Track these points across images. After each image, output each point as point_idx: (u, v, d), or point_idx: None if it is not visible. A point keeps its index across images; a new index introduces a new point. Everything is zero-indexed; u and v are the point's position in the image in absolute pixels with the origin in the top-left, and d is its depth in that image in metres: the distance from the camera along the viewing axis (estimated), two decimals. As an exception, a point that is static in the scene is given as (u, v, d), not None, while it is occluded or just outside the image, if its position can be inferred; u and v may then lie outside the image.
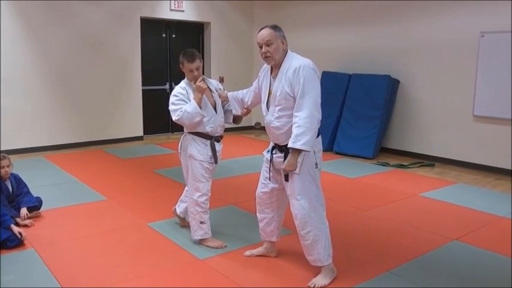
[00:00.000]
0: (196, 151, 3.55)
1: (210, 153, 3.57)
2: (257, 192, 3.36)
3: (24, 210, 4.12)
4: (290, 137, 2.90)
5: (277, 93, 2.99)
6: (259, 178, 3.37)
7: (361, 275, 3.22)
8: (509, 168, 6.09)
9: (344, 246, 3.65)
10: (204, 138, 3.56)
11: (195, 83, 3.54)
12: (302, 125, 2.83)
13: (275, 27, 3.03)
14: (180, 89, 3.57)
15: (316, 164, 3.00)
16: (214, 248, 3.62)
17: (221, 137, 3.70)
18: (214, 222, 4.20)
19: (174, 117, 3.50)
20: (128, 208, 4.63)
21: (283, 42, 3.01)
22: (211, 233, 3.70)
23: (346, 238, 3.88)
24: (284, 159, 3.02)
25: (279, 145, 3.12)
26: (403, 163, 6.80)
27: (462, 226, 4.24)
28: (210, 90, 3.64)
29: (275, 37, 2.98)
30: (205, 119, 3.52)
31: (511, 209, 4.70)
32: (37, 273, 3.21)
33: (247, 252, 3.52)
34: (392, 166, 6.65)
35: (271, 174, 3.21)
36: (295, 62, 2.95)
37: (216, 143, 3.61)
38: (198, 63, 3.52)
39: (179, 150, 3.74)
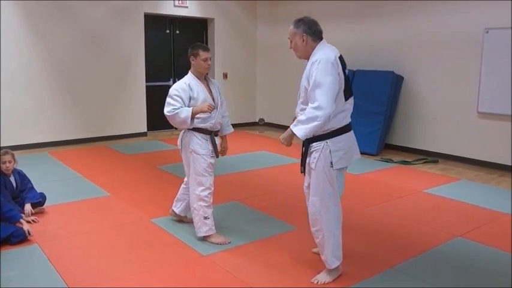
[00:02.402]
0: (198, 146, 3.61)
1: (211, 147, 3.65)
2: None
3: (28, 207, 4.13)
4: None
5: (301, 86, 3.01)
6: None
7: (364, 271, 3.23)
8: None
9: (347, 243, 3.64)
10: (204, 133, 3.64)
11: (207, 74, 3.74)
12: (306, 114, 2.84)
13: (296, 22, 3.03)
14: (184, 85, 3.64)
15: (332, 163, 2.94)
16: (218, 244, 3.63)
17: (219, 131, 3.81)
18: (218, 218, 4.21)
19: (165, 110, 3.60)
20: (131, 204, 4.64)
21: (302, 39, 2.99)
22: (215, 229, 3.70)
23: (350, 234, 3.87)
24: (305, 152, 3.03)
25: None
26: (407, 159, 6.78)
27: (466, 222, 4.23)
28: (211, 91, 3.74)
29: (293, 34, 3.02)
30: (205, 115, 3.58)
31: (511, 205, 4.70)
32: (41, 269, 3.23)
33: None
34: (395, 162, 6.64)
35: (304, 167, 3.16)
36: (316, 56, 2.92)
37: (215, 137, 3.71)
38: (210, 53, 3.70)
39: (179, 147, 3.78)
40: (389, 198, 4.93)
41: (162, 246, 3.62)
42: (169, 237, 3.80)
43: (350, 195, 5.01)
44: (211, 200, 3.70)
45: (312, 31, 2.99)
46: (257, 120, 10.12)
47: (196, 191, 3.63)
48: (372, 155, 7.04)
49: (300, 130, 2.86)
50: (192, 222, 3.80)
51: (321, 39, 3.05)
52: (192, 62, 3.67)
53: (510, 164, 6.10)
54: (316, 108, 2.79)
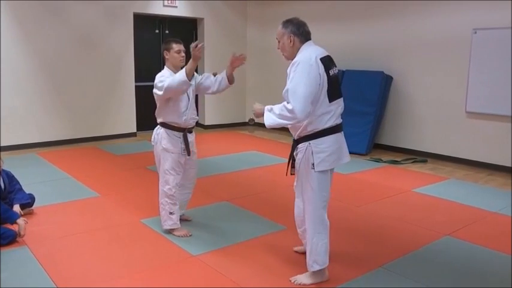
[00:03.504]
0: (169, 145, 3.70)
1: (183, 145, 3.71)
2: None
3: (17, 208, 4.09)
4: (297, 130, 2.94)
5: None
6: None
7: (353, 270, 3.24)
8: (502, 164, 6.14)
9: (337, 242, 3.66)
10: (177, 131, 3.70)
11: (181, 67, 3.66)
12: (281, 108, 2.80)
13: (284, 23, 3.00)
14: (166, 73, 3.68)
15: (313, 164, 2.89)
16: (180, 236, 3.76)
17: (193, 128, 3.85)
18: (208, 218, 4.22)
19: (159, 92, 3.52)
20: (121, 205, 4.62)
21: (290, 40, 2.95)
22: (179, 224, 3.84)
23: (339, 234, 3.89)
24: (292, 151, 3.03)
25: (294, 138, 3.06)
26: (396, 159, 6.83)
27: (454, 221, 4.27)
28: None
29: (281, 34, 2.98)
30: (182, 109, 3.64)
31: (511, 205, 4.74)
32: (30, 271, 3.20)
33: (296, 248, 3.50)
34: (385, 162, 6.68)
35: (292, 169, 3.11)
36: (296, 58, 2.89)
37: (188, 134, 3.76)
38: (182, 45, 3.76)
39: (152, 143, 3.86)
40: (379, 198, 4.96)
41: (152, 247, 3.61)
42: (159, 237, 3.80)
43: (339, 194, 5.04)
44: (177, 198, 3.81)
45: (299, 32, 2.96)
46: (247, 120, 10.12)
47: (164, 188, 3.77)
48: (361, 155, 7.07)
49: (269, 119, 2.85)
50: (184, 220, 3.92)
51: (308, 40, 3.01)
52: (167, 57, 3.75)
53: (499, 163, 6.17)
54: (290, 111, 2.75)
